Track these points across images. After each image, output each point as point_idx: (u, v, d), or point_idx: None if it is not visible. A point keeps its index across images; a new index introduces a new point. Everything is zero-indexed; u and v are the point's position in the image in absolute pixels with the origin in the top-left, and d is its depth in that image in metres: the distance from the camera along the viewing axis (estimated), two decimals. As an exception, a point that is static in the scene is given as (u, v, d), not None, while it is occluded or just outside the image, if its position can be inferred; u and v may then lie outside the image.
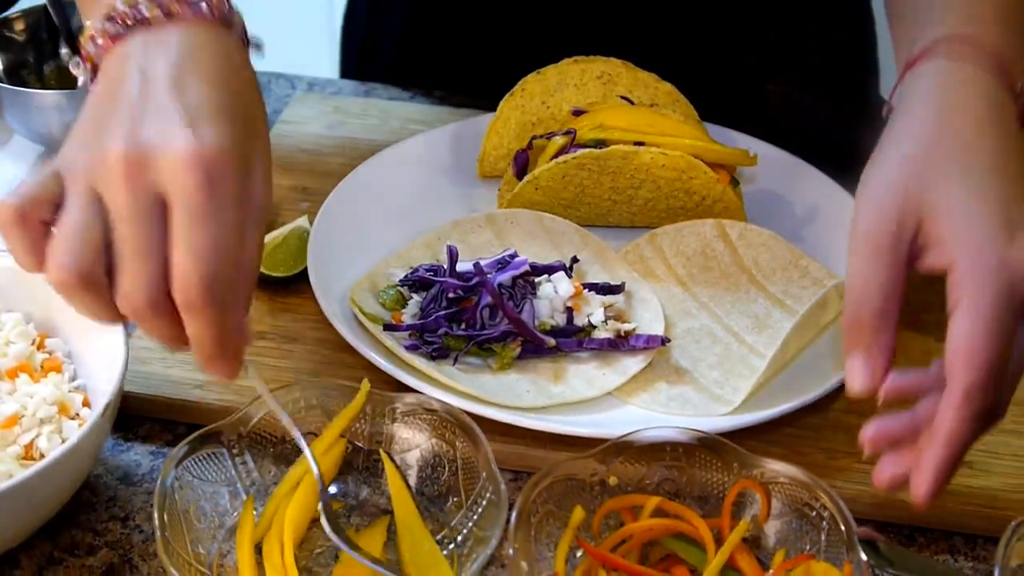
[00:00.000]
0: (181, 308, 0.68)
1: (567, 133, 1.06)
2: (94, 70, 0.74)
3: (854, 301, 0.75)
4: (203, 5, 0.73)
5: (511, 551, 0.74)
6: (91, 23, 0.74)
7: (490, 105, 1.18)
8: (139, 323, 0.70)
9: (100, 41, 0.73)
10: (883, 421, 0.75)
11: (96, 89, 0.73)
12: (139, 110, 0.68)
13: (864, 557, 0.73)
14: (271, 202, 0.73)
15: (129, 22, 0.72)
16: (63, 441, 0.82)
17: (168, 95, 0.69)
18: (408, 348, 0.92)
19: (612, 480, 0.82)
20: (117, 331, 0.84)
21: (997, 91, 0.79)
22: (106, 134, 0.68)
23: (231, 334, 0.70)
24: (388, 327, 0.94)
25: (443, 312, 0.93)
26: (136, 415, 0.92)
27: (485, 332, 0.92)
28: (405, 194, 1.11)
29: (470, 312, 0.93)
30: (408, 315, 0.96)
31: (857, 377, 0.74)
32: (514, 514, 0.76)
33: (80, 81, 0.76)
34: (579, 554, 0.81)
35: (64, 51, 1.25)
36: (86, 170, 0.68)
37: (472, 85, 1.33)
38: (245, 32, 0.77)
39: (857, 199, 0.77)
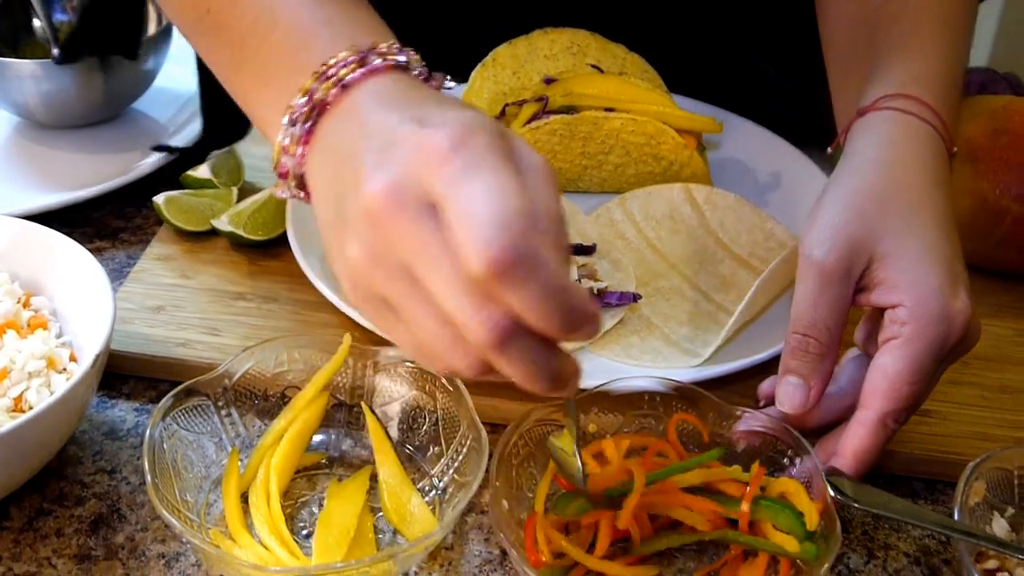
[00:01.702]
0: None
1: (539, 100, 1.09)
2: (302, 185, 0.71)
3: (802, 327, 0.80)
4: (376, 60, 0.68)
5: (492, 489, 0.76)
6: (278, 138, 0.69)
7: (461, 78, 1.20)
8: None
9: (295, 150, 0.69)
10: (752, 420, 0.84)
11: (318, 195, 0.68)
12: (366, 165, 0.61)
13: (831, 493, 0.76)
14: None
15: (309, 113, 0.68)
16: (52, 394, 0.84)
17: (384, 132, 0.63)
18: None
19: (591, 427, 0.85)
20: (103, 288, 0.86)
21: (943, 151, 0.85)
22: (347, 230, 0.63)
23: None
24: None
25: None
26: (120, 374, 0.94)
27: None
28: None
29: None
30: None
31: (795, 399, 0.81)
32: (495, 455, 0.78)
33: (283, 195, 0.72)
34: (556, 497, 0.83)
35: (37, 23, 1.26)
36: (374, 260, 0.61)
37: (442, 58, 1.34)
38: (425, 68, 0.71)
39: (807, 232, 0.82)
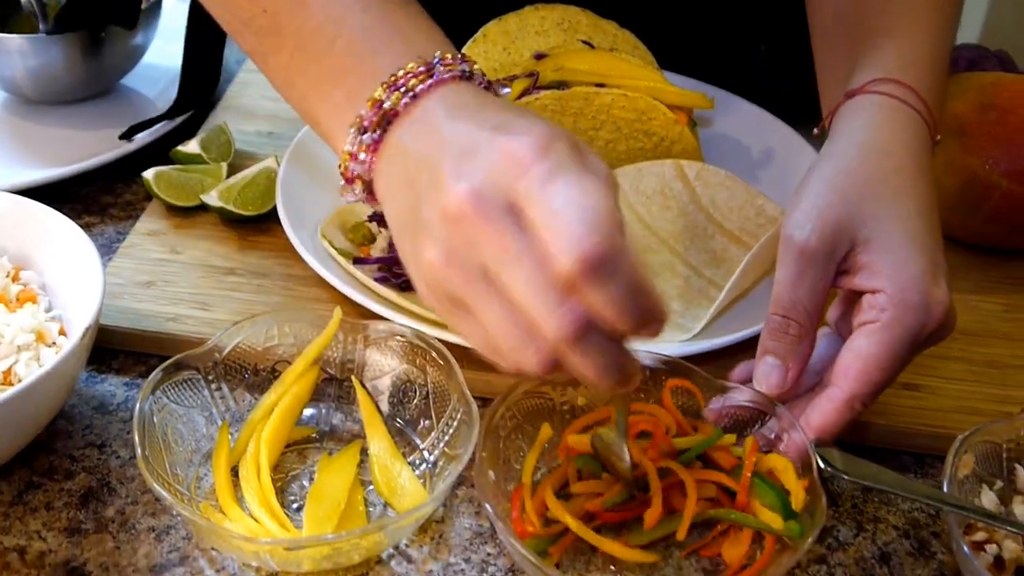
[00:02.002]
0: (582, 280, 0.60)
1: (529, 75, 1.08)
2: (368, 190, 0.72)
3: (782, 309, 0.81)
4: (442, 70, 0.69)
5: (478, 459, 0.77)
6: (346, 146, 0.71)
7: (451, 54, 1.19)
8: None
9: (364, 156, 0.70)
10: (725, 400, 0.85)
11: (390, 200, 0.70)
12: (445, 171, 0.63)
13: (821, 465, 0.77)
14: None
15: (379, 122, 0.69)
16: (41, 368, 0.84)
17: (461, 140, 0.65)
18: (378, 280, 0.94)
19: (580, 400, 0.85)
20: (93, 261, 0.86)
21: (928, 139, 0.85)
22: (424, 233, 0.64)
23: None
24: (358, 260, 0.96)
25: None
26: (110, 349, 0.94)
27: None
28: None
29: None
30: (376, 249, 0.98)
31: (772, 379, 0.82)
32: (482, 426, 0.79)
33: (349, 199, 0.73)
34: (542, 472, 0.84)
35: (25, -1, 1.25)
36: (450, 259, 0.63)
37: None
38: (489, 82, 0.73)
39: (790, 213, 0.82)
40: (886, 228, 0.80)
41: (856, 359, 0.78)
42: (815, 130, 0.93)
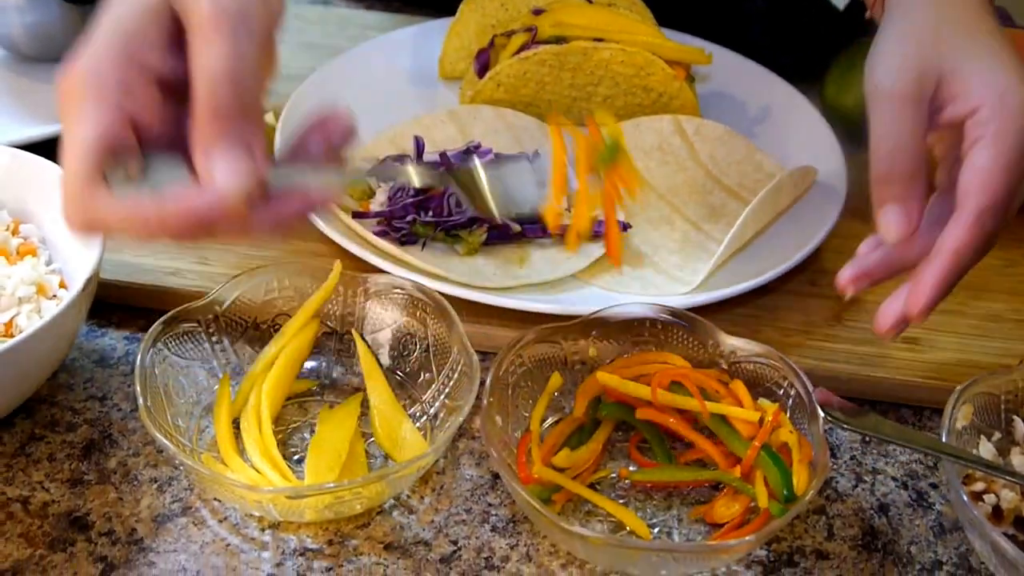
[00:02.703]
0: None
1: (528, 30, 1.08)
2: None
3: (887, 155, 0.78)
4: None
5: (485, 405, 0.77)
6: None
7: (449, 12, 1.19)
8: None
9: None
10: (858, 261, 0.81)
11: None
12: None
13: (822, 415, 0.77)
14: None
15: None
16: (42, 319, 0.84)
17: None
18: (377, 234, 0.94)
19: (592, 351, 0.85)
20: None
21: None
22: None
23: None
24: (357, 214, 0.96)
25: (411, 200, 0.95)
26: (110, 303, 0.94)
27: (452, 219, 0.95)
28: (368, 94, 1.12)
29: (437, 200, 0.95)
30: (376, 204, 0.98)
31: (895, 225, 0.78)
32: (491, 372, 0.79)
33: None
34: (548, 423, 0.84)
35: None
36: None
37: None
38: None
39: (870, 70, 0.80)
40: (967, 55, 0.79)
41: (975, 174, 0.76)
42: (867, 13, 0.91)
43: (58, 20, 1.17)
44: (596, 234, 0.96)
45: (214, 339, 0.86)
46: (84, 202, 0.64)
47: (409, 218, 0.95)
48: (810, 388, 0.79)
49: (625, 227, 0.96)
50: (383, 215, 0.96)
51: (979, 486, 0.80)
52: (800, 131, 1.11)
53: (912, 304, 0.77)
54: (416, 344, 0.87)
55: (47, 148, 1.05)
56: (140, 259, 0.95)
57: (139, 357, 0.79)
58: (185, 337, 0.84)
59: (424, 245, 0.95)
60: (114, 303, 0.94)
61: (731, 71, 1.19)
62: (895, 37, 0.81)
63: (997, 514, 0.79)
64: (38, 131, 1.09)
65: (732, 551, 0.74)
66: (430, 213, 0.95)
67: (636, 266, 0.96)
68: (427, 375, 0.86)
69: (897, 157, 0.78)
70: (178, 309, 0.83)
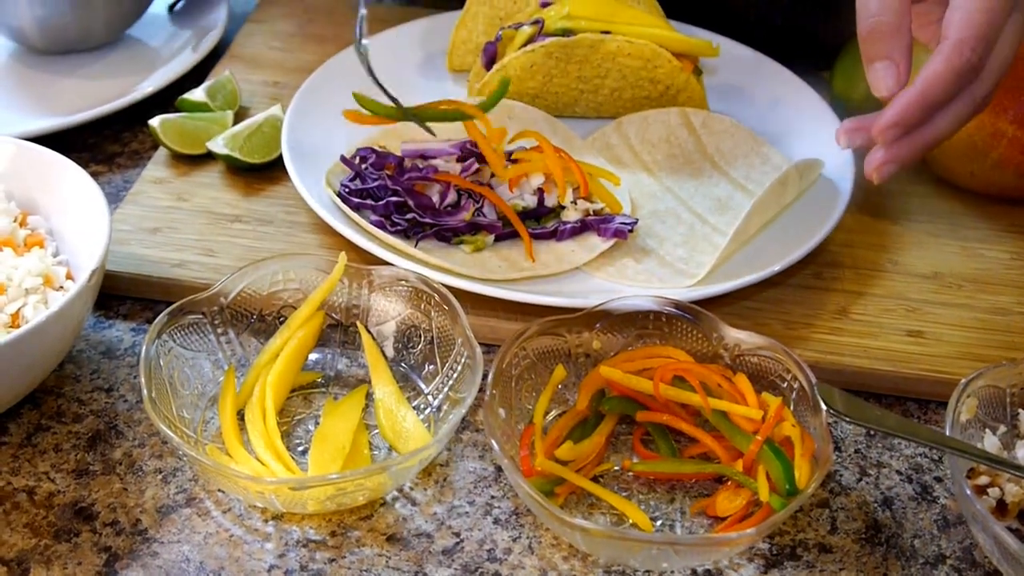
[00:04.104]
0: None
1: (535, 23, 1.08)
2: None
3: (874, 12, 0.81)
4: None
5: (488, 396, 0.77)
6: None
7: (456, 7, 1.19)
8: None
9: None
10: (856, 119, 0.86)
11: None
12: None
13: (823, 407, 0.77)
14: None
15: None
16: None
17: None
18: (374, 224, 0.94)
19: (596, 344, 0.85)
20: (99, 205, 0.86)
21: None
22: None
23: None
24: (342, 197, 0.97)
25: (392, 199, 0.96)
26: (117, 295, 0.94)
27: (449, 223, 0.95)
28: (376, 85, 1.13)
29: (427, 198, 0.95)
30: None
31: (883, 80, 0.81)
32: (494, 365, 0.79)
33: None
34: (552, 415, 0.84)
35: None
36: None
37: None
38: None
39: None
40: None
41: (955, 11, 0.79)
42: None
43: (68, 13, 1.18)
44: (601, 228, 0.96)
45: (219, 331, 0.86)
46: None
47: (410, 216, 0.95)
48: (813, 381, 0.79)
49: (631, 226, 0.96)
50: (377, 207, 0.96)
51: (983, 480, 0.80)
52: (808, 123, 1.11)
53: (878, 122, 0.81)
54: (420, 336, 0.87)
55: (56, 140, 1.06)
56: (147, 251, 0.96)
57: (144, 348, 0.79)
58: (191, 329, 0.84)
59: (418, 242, 0.94)
60: (121, 295, 0.95)
61: (739, 63, 1.19)
62: None
63: (1001, 508, 0.79)
64: (48, 123, 1.10)
65: (732, 544, 0.74)
66: (426, 215, 0.95)
67: (641, 259, 0.96)
68: (431, 367, 0.86)
69: (880, 15, 0.80)
70: (183, 301, 0.84)
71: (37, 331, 0.76)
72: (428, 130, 0.96)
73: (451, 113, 0.97)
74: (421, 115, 0.96)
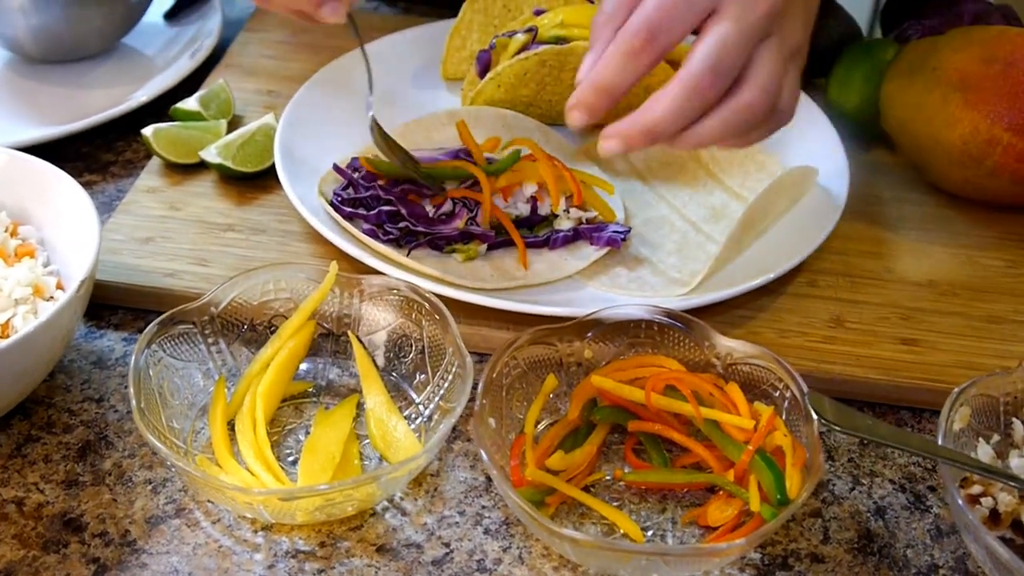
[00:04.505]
0: None
1: (528, 31, 1.08)
2: None
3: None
4: None
5: (478, 406, 0.77)
6: None
7: (451, 15, 1.19)
8: None
9: None
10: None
11: None
12: None
13: (814, 416, 0.76)
14: None
15: None
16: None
17: None
18: (366, 232, 0.94)
19: (587, 353, 0.85)
20: (89, 216, 0.86)
21: None
22: None
23: None
24: (335, 206, 0.97)
25: (385, 208, 0.95)
26: (108, 305, 0.94)
27: (442, 231, 0.95)
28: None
29: (420, 207, 0.95)
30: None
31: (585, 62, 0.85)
32: (484, 374, 0.79)
33: None
34: (543, 425, 0.84)
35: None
36: None
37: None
38: None
39: None
40: None
41: (700, 42, 0.82)
42: None
43: (62, 22, 1.18)
44: (594, 237, 0.96)
45: (210, 340, 0.86)
46: None
47: (403, 225, 0.94)
48: (804, 391, 0.79)
49: (624, 235, 0.96)
50: (370, 218, 0.95)
51: (976, 489, 0.79)
52: (803, 131, 1.10)
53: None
54: (411, 346, 0.87)
55: (50, 149, 1.06)
56: (139, 260, 0.96)
57: (133, 359, 0.79)
58: (181, 338, 0.84)
59: (410, 251, 0.94)
60: (114, 304, 0.95)
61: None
62: None
63: (995, 517, 0.78)
64: (41, 133, 1.10)
65: (723, 554, 0.74)
66: (419, 224, 0.95)
67: (634, 268, 0.95)
68: (422, 376, 0.86)
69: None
70: (174, 310, 0.83)
71: (26, 341, 0.76)
72: (442, 190, 0.96)
73: (461, 171, 0.97)
74: (434, 174, 0.97)
